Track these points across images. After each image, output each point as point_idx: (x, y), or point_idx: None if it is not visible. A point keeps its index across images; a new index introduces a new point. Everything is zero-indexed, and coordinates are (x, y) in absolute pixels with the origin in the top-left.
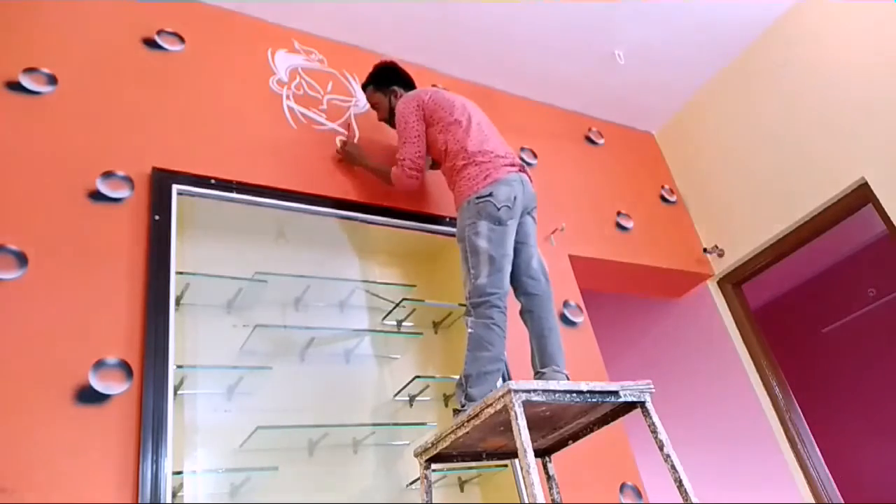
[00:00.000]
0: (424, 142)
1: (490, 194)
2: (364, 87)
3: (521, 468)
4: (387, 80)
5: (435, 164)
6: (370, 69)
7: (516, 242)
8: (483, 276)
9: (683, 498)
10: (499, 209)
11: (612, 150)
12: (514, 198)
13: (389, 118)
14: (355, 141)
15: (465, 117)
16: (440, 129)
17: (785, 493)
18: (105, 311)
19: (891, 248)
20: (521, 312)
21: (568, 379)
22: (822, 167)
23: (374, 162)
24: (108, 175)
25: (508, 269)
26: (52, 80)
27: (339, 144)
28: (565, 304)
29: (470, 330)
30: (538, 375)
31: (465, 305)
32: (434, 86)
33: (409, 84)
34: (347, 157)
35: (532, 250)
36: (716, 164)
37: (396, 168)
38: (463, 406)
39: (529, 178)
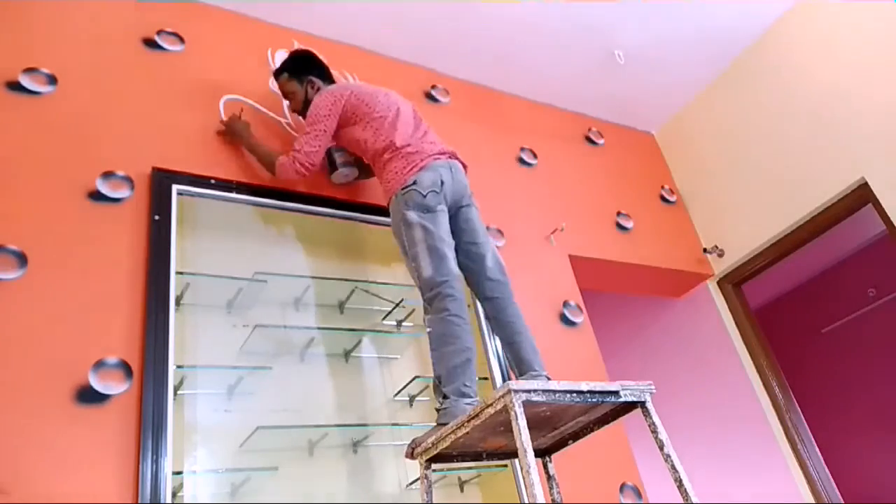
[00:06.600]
0: (328, 140)
1: (414, 182)
2: (277, 75)
3: (521, 468)
4: (303, 68)
5: (361, 174)
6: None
7: (465, 243)
8: (428, 268)
9: (683, 498)
10: (424, 196)
11: (612, 150)
12: (441, 183)
13: (304, 109)
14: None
15: (390, 111)
16: (363, 125)
17: (785, 493)
18: (105, 311)
19: (891, 248)
20: (487, 318)
21: (549, 380)
22: (822, 167)
23: (260, 145)
24: (108, 175)
25: (451, 254)
26: (52, 80)
27: (224, 117)
28: (565, 304)
29: (428, 329)
30: None
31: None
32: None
33: (326, 75)
34: (230, 133)
35: (484, 248)
36: (716, 164)
37: (286, 157)
38: (442, 405)
39: (463, 165)
